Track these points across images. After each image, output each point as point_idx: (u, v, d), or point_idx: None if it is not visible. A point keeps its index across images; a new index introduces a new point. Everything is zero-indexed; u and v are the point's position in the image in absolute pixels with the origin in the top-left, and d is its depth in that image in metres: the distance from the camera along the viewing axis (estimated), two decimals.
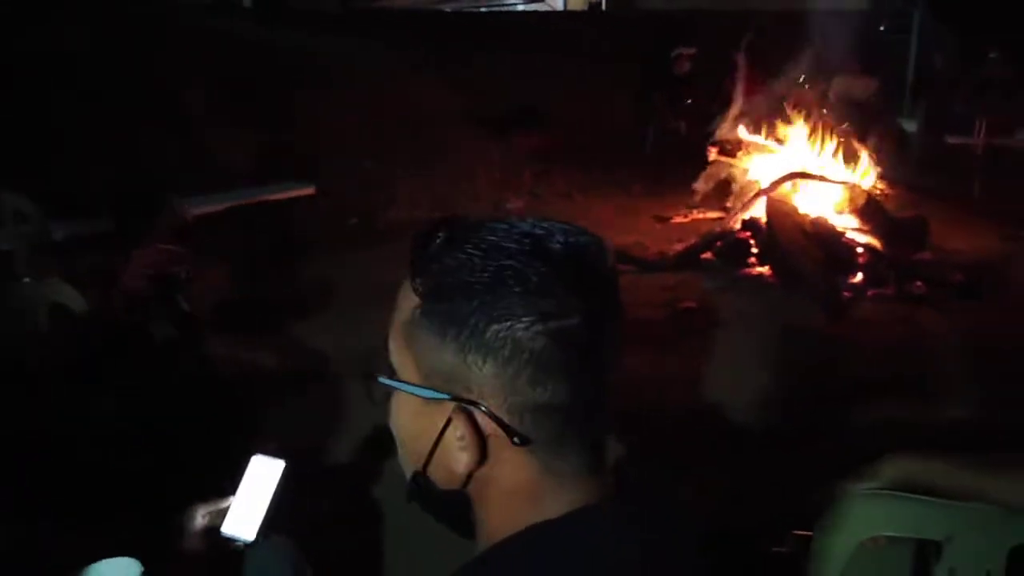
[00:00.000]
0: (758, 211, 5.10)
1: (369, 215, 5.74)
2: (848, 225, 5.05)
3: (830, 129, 5.82)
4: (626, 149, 7.76)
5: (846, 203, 5.17)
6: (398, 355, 0.74)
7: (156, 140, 5.49)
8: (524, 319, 0.66)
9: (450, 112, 7.29)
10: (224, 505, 1.37)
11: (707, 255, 5.06)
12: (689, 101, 7.62)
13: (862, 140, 5.96)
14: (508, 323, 0.66)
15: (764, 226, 4.93)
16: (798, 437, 2.88)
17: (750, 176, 5.62)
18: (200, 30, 6.99)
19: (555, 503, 0.72)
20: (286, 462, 1.35)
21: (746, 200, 5.26)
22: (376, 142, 6.58)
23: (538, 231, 0.70)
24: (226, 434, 2.56)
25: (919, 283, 4.55)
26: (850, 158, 5.67)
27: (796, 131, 5.74)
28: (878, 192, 5.63)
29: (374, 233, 5.49)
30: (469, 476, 0.72)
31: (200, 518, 1.37)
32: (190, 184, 5.01)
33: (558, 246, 0.69)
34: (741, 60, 7.17)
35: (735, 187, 5.74)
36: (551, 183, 7.09)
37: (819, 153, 5.63)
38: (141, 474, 2.31)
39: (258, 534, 1.31)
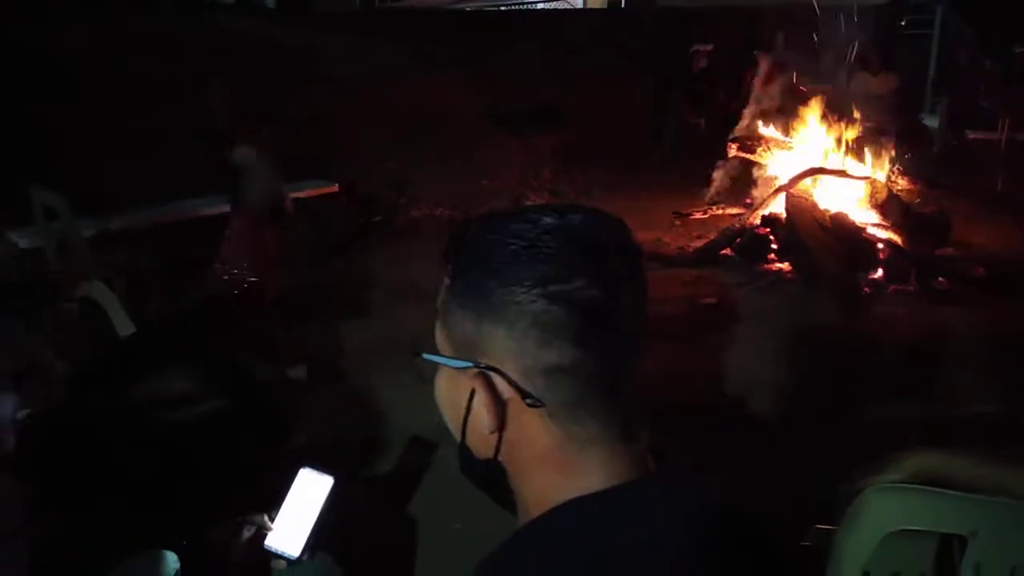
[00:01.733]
0: (778, 207, 5.09)
1: (393, 212, 5.79)
2: (869, 221, 5.03)
3: (851, 125, 5.80)
4: (646, 146, 7.75)
5: (867, 199, 5.15)
6: (438, 335, 0.80)
7: (180, 138, 5.55)
8: (526, 283, 0.71)
9: (471, 110, 7.32)
10: (269, 515, 1.37)
11: (727, 251, 5.06)
12: (706, 97, 7.60)
13: (883, 136, 5.93)
14: (512, 288, 0.71)
15: (784, 222, 4.92)
16: (818, 431, 2.89)
17: (770, 172, 5.60)
18: (224, 30, 7.06)
19: (584, 474, 0.74)
20: (334, 478, 1.36)
21: (766, 196, 5.25)
22: (398, 140, 6.62)
23: (555, 210, 0.75)
24: (263, 432, 2.59)
25: (941, 279, 4.53)
26: (871, 154, 5.64)
27: (816, 127, 5.71)
28: (899, 188, 5.60)
29: (397, 230, 5.55)
30: (499, 444, 0.76)
31: (245, 528, 1.38)
32: (216, 181, 5.07)
33: (570, 221, 0.74)
34: (761, 56, 7.15)
35: (755, 183, 5.73)
36: (571, 180, 7.10)
37: (840, 149, 5.60)
38: (178, 473, 2.33)
39: (303, 551, 1.31)
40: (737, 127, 6.14)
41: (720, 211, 5.90)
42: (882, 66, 7.02)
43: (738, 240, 5.04)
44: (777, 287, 4.60)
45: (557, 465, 0.75)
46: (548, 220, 0.73)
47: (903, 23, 9.71)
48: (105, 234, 3.98)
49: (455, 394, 0.78)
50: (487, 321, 0.73)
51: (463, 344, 0.76)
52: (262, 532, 1.35)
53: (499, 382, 0.74)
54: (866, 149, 5.63)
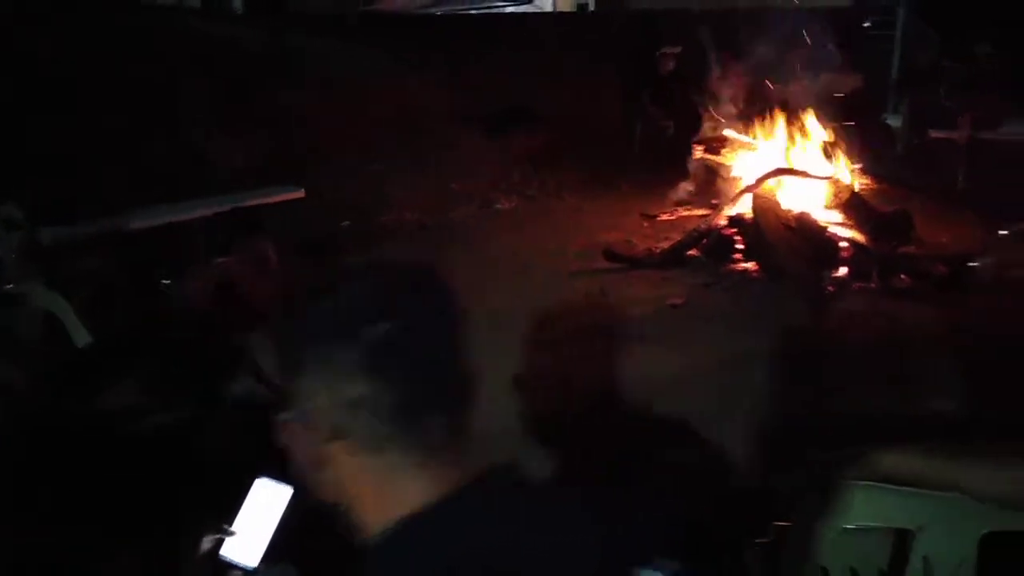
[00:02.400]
0: (744, 207, 5.15)
1: (362, 217, 5.77)
2: (833, 220, 5.11)
3: (815, 125, 5.88)
4: (615, 148, 7.79)
5: (831, 198, 5.23)
6: None
7: (146, 144, 5.50)
8: (316, 326, 0.82)
9: (441, 114, 7.31)
10: (227, 526, 1.36)
11: (694, 252, 5.11)
12: (674, 99, 7.65)
13: (847, 136, 6.03)
14: (307, 332, 0.83)
15: (749, 222, 4.98)
16: (785, 430, 2.92)
17: (735, 173, 5.67)
18: (191, 35, 7.00)
19: (402, 501, 0.79)
20: (293, 488, 1.36)
21: (732, 197, 5.31)
22: (367, 144, 6.60)
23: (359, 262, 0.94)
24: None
25: (903, 276, 4.60)
26: (835, 154, 5.72)
27: (781, 128, 5.79)
28: (862, 187, 5.69)
29: (367, 235, 5.53)
30: (331, 486, 0.83)
31: (202, 540, 1.37)
32: (180, 188, 5.04)
33: (368, 265, 0.89)
34: (728, 59, 7.22)
35: (721, 185, 5.79)
36: (542, 183, 7.13)
37: (804, 149, 5.68)
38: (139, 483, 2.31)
39: (260, 562, 1.30)
40: (703, 129, 6.21)
41: (687, 212, 5.94)
42: (846, 67, 7.13)
43: (704, 241, 5.09)
44: (743, 287, 4.65)
45: (375, 495, 0.80)
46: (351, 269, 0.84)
47: (867, 24, 9.87)
48: (70, 242, 3.92)
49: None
50: (293, 369, 0.80)
51: (290, 395, 0.81)
52: (222, 543, 1.35)
53: (308, 425, 0.79)
54: (830, 149, 5.72)
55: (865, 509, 1.46)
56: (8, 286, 2.92)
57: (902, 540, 1.50)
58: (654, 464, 2.75)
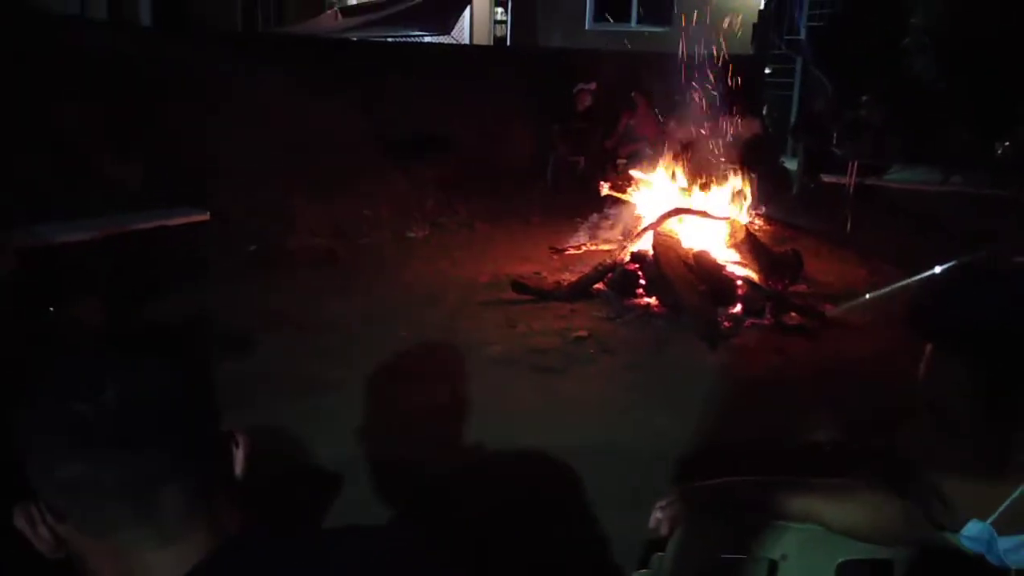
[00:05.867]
0: (646, 244, 5.32)
1: (269, 242, 5.68)
2: (729, 258, 5.34)
3: (715, 167, 6.16)
4: (528, 181, 7.93)
5: (728, 238, 5.47)
6: None
7: (46, 162, 5.29)
8: (26, 419, 0.80)
9: (355, 138, 7.29)
10: None
11: (599, 286, 5.25)
12: (587, 135, 7.86)
13: (747, 178, 6.33)
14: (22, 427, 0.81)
15: (651, 259, 5.15)
16: (671, 459, 3.03)
17: (639, 211, 5.86)
18: (95, 48, 6.77)
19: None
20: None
21: (635, 234, 5.49)
22: (278, 167, 6.51)
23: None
24: None
25: (793, 314, 4.85)
26: (734, 195, 6.00)
27: (684, 168, 6.03)
28: (757, 228, 5.97)
29: (273, 260, 5.46)
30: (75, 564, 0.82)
31: None
32: (82, 208, 4.88)
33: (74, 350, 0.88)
34: (637, 99, 7.50)
35: (626, 221, 5.97)
36: (454, 212, 7.19)
37: (705, 190, 5.93)
38: None
39: None
40: (611, 166, 6.40)
41: (593, 247, 6.10)
42: (747, 112, 7.50)
43: (609, 275, 5.23)
44: (644, 321, 4.80)
45: (112, 573, 0.81)
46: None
47: (768, 72, 10.40)
48: None
49: None
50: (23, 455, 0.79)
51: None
52: None
53: (39, 511, 0.80)
54: (729, 190, 6.00)
55: (734, 539, 1.56)
56: None
57: (772, 569, 1.60)
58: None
